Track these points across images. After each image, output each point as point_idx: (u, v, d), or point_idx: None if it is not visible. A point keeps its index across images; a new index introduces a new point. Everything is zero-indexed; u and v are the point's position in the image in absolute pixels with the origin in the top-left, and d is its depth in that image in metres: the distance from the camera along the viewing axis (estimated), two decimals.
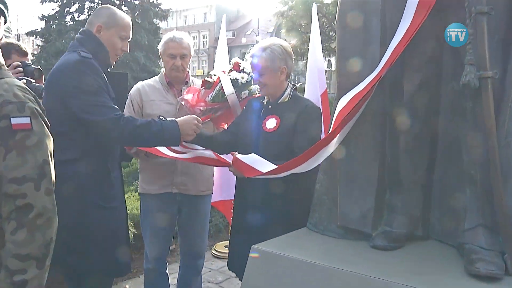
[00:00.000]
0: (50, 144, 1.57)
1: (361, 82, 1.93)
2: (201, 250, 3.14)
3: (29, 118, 1.48)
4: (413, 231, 1.97)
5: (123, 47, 2.43)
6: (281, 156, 2.34)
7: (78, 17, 26.77)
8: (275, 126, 2.46)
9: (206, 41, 54.76)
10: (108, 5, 2.58)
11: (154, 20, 27.89)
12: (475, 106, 1.68)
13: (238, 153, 2.52)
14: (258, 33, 36.68)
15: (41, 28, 26.31)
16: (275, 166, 2.18)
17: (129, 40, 2.48)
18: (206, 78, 2.99)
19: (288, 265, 1.79)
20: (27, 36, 28.59)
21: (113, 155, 2.38)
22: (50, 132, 1.59)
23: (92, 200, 2.21)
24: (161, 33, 32.10)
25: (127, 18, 2.48)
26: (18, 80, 1.60)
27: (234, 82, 2.81)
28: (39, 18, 26.04)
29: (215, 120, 2.90)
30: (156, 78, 3.11)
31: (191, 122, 2.39)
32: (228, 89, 2.79)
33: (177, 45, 2.93)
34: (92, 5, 26.39)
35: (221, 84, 2.86)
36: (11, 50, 2.99)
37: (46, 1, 26.17)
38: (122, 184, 2.48)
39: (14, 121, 1.45)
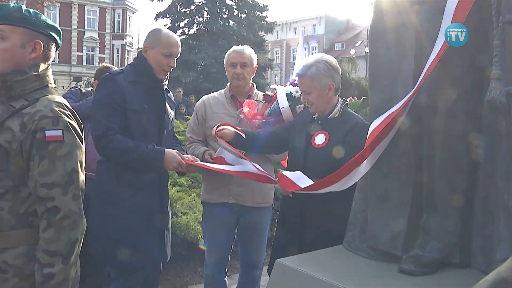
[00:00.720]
0: (81, 154, 1.78)
1: (393, 97, 1.89)
2: (258, 261, 3.21)
3: (61, 131, 1.70)
4: (448, 258, 1.86)
5: (170, 63, 2.64)
6: (329, 173, 2.36)
7: (188, 31, 28.54)
8: (323, 142, 2.47)
9: (315, 52, 55.07)
10: (159, 27, 2.82)
11: (260, 32, 28.74)
12: (508, 125, 1.57)
13: (286, 167, 2.58)
14: (367, 45, 36.17)
15: None
16: (312, 182, 2.21)
17: (176, 55, 2.68)
18: (267, 92, 3.10)
19: (305, 281, 1.80)
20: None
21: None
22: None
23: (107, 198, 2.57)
24: (267, 45, 33.08)
25: (171, 37, 2.68)
26: (59, 97, 1.83)
27: (289, 95, 2.87)
28: None
29: None
30: (222, 91, 3.27)
31: (174, 160, 2.53)
32: (283, 102, 2.86)
33: (238, 55, 3.10)
34: (200, 19, 27.99)
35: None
36: (104, 72, 3.25)
37: (159, 17, 28.34)
38: (153, 186, 2.65)
39: (48, 133, 1.67)
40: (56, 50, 1.94)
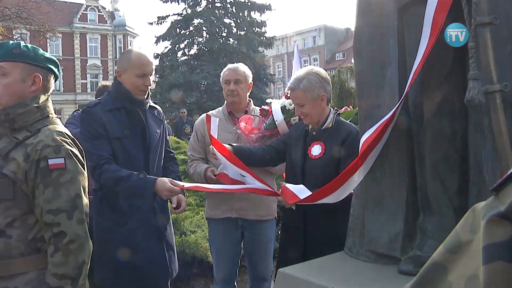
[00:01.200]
0: (84, 180, 1.86)
1: (381, 103, 1.96)
2: (266, 273, 3.26)
3: (63, 158, 1.78)
4: None
5: (145, 83, 2.71)
6: (326, 182, 2.42)
7: (188, 52, 28.86)
8: (320, 153, 2.54)
9: (317, 63, 55.43)
10: (130, 49, 2.91)
11: (259, 48, 28.99)
12: (490, 123, 1.62)
13: (285, 180, 2.64)
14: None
15: (155, 66, 28.85)
16: (310, 193, 2.27)
17: (151, 73, 2.75)
18: (263, 106, 3.17)
19: None
20: None
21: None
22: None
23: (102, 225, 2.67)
24: (267, 61, 33.30)
25: (141, 58, 2.74)
26: (60, 126, 1.92)
27: (283, 108, 2.94)
28: (154, 57, 28.62)
29: None
30: (220, 108, 3.35)
31: (164, 188, 2.56)
32: (278, 116, 2.93)
33: (231, 72, 3.18)
34: (200, 39, 28.29)
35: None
36: (104, 92, 3.28)
37: (160, 41, 28.70)
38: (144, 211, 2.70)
39: (50, 161, 1.75)
40: (55, 81, 2.03)
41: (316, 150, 2.56)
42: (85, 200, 1.84)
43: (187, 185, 2.70)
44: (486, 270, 0.68)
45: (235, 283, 3.33)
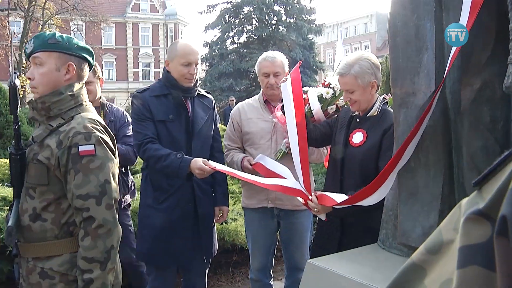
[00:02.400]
0: (113, 166, 1.90)
1: (416, 90, 1.87)
2: (301, 263, 3.22)
3: (93, 145, 1.83)
4: None
5: (190, 71, 2.84)
6: (365, 172, 2.37)
7: (238, 40, 28.96)
8: (361, 141, 2.48)
9: (368, 50, 54.03)
10: (177, 40, 3.03)
11: (309, 35, 28.67)
12: None
13: (327, 167, 2.61)
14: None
15: (205, 54, 29.17)
16: (346, 197, 2.23)
17: (196, 63, 2.87)
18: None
19: (335, 281, 1.81)
20: None
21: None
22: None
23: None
24: (317, 48, 32.89)
25: (186, 47, 2.87)
26: (92, 114, 1.97)
27: (320, 97, 2.88)
28: (203, 45, 28.91)
29: None
30: (256, 97, 3.34)
31: (196, 166, 2.66)
32: (315, 104, 2.88)
33: (270, 64, 3.13)
34: (249, 27, 28.31)
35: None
36: None
37: (209, 29, 28.95)
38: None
39: (81, 148, 1.81)
40: (90, 70, 2.08)
41: (357, 137, 2.51)
42: (114, 186, 1.88)
43: (219, 166, 2.73)
44: (459, 275, 0.61)
45: (271, 272, 3.34)
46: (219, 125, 11.98)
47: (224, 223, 4.49)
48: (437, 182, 1.88)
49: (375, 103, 2.54)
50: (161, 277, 2.91)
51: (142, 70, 42.99)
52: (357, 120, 2.57)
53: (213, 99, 3.15)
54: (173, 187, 2.83)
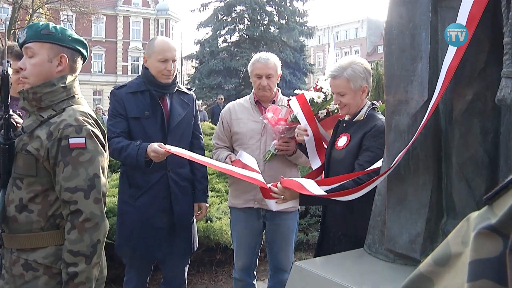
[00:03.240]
0: (103, 160, 1.89)
1: (409, 99, 1.89)
2: (286, 265, 3.24)
3: (84, 138, 1.81)
4: None
5: (167, 67, 2.86)
6: (346, 173, 2.39)
7: (230, 39, 28.94)
8: (344, 144, 2.50)
9: (358, 55, 54.17)
10: (155, 37, 3.05)
11: (300, 38, 28.76)
12: None
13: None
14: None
15: (196, 51, 29.11)
16: (323, 192, 2.25)
17: (173, 59, 2.89)
18: (291, 97, 3.13)
19: (321, 284, 1.82)
20: (184, 60, 31.86)
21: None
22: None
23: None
24: (307, 50, 33.02)
25: (164, 44, 2.89)
26: (84, 107, 1.95)
27: (311, 101, 2.89)
28: (195, 43, 28.85)
29: (296, 139, 3.00)
30: (247, 97, 3.34)
31: (151, 149, 2.69)
32: (299, 113, 2.87)
33: (262, 65, 3.13)
34: (241, 26, 28.31)
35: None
36: None
37: (201, 27, 28.88)
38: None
39: (71, 140, 1.79)
40: (83, 62, 2.06)
41: (341, 141, 2.54)
42: (103, 180, 1.87)
43: (174, 149, 2.72)
44: None
45: (255, 272, 3.34)
46: (206, 123, 11.87)
47: (209, 222, 4.49)
48: (426, 190, 1.90)
49: (362, 107, 2.56)
50: (135, 270, 3.00)
51: (131, 64, 42.67)
52: (344, 124, 2.60)
53: (194, 95, 3.17)
54: (148, 183, 2.87)
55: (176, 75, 3.00)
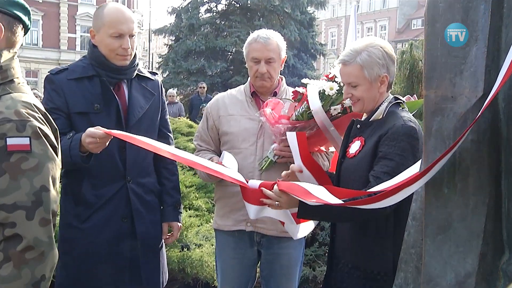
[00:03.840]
0: (54, 168, 1.86)
1: (457, 94, 1.89)
2: None
3: (28, 138, 1.77)
4: None
5: (123, 45, 2.80)
6: (357, 187, 2.42)
7: (215, 7, 28.89)
8: (357, 151, 2.54)
9: (385, 33, 54.12)
10: (105, 4, 3.04)
11: (309, 8, 28.82)
12: None
13: None
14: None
15: (170, 24, 29.01)
16: (336, 200, 2.26)
17: (130, 33, 2.82)
18: (297, 88, 3.12)
19: None
20: (154, 34, 31.76)
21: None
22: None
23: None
24: (317, 25, 33.13)
25: (116, 13, 2.84)
26: (28, 96, 1.91)
27: (321, 93, 2.90)
28: (169, 13, 28.75)
29: None
30: (241, 87, 3.34)
31: (86, 135, 2.59)
32: (314, 102, 2.89)
33: (261, 46, 3.13)
34: None
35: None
36: None
37: None
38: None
39: (10, 141, 1.75)
40: (24, 34, 2.04)
41: (354, 147, 2.57)
42: (54, 194, 1.85)
43: (115, 132, 2.64)
44: None
45: None
46: (183, 119, 11.83)
47: (185, 250, 4.48)
48: (479, 215, 1.89)
49: (382, 103, 2.58)
50: None
51: (81, 36, 42.05)
52: (358, 125, 2.62)
53: (159, 81, 3.17)
54: (101, 199, 2.82)
55: (135, 54, 2.96)
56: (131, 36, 2.84)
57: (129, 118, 2.89)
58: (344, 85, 2.84)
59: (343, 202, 2.22)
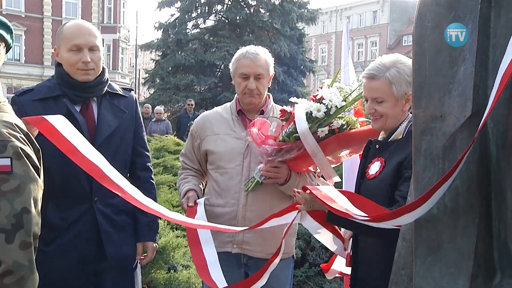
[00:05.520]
0: (36, 189, 1.85)
1: (446, 113, 1.91)
2: None
3: (9, 159, 1.77)
4: None
5: (82, 58, 2.77)
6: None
7: (204, 23, 28.95)
8: (377, 172, 2.54)
9: (375, 49, 54.24)
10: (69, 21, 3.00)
11: (298, 24, 28.95)
12: None
13: None
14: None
15: (157, 39, 29.03)
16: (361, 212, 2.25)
17: (90, 47, 2.79)
18: (285, 107, 3.13)
19: None
20: (141, 50, 31.77)
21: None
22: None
23: None
24: (307, 41, 33.28)
25: (73, 27, 2.85)
26: (9, 115, 1.92)
27: (309, 114, 2.90)
28: (156, 27, 28.78)
29: (290, 163, 3.02)
30: (227, 105, 3.35)
31: None
32: (301, 124, 2.88)
33: (250, 62, 3.13)
34: (220, 7, 28.39)
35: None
36: None
37: (164, 6, 28.86)
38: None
39: None
40: (6, 52, 2.05)
41: (374, 168, 2.57)
42: (36, 216, 1.84)
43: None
44: None
45: None
46: (170, 137, 11.76)
47: (172, 271, 4.46)
48: (469, 236, 1.91)
49: (402, 122, 2.59)
50: None
51: None
52: (377, 146, 2.63)
53: (135, 97, 3.13)
54: (66, 221, 2.78)
55: (103, 70, 2.92)
56: (92, 49, 2.81)
57: (96, 137, 2.83)
58: (332, 107, 2.86)
59: (368, 218, 2.19)
